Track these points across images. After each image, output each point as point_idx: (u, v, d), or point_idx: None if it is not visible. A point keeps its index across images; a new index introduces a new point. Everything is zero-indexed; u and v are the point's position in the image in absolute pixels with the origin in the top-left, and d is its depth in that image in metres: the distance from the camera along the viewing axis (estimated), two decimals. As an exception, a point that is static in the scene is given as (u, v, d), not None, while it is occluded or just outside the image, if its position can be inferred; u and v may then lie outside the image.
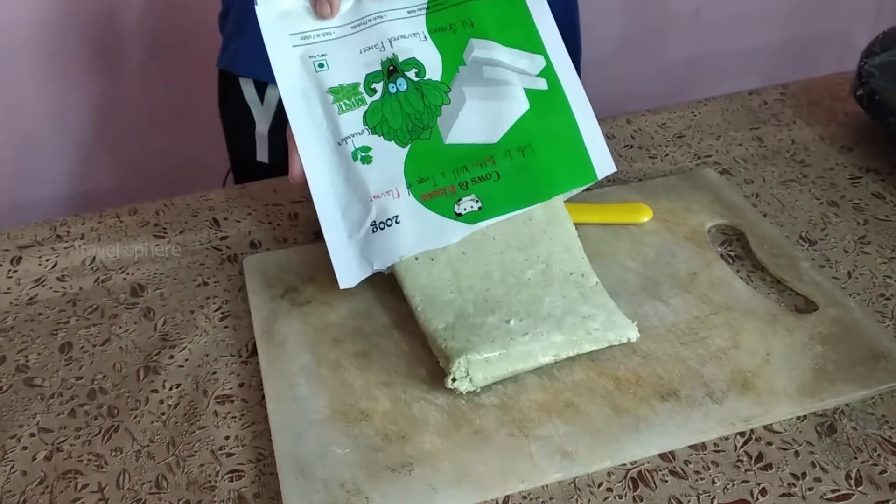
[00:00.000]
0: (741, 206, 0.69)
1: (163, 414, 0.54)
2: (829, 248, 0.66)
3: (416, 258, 0.58)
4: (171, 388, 0.56)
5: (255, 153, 0.87)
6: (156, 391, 0.56)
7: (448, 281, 0.57)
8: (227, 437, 0.52)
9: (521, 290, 0.57)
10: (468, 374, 0.52)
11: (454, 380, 0.52)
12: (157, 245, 0.68)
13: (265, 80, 0.83)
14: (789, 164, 0.76)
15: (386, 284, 0.62)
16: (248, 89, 0.85)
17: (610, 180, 0.74)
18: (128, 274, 0.66)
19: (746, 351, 0.56)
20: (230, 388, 0.56)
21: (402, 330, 0.58)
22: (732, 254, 0.66)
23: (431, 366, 0.55)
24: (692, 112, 0.84)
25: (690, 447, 0.51)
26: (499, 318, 0.55)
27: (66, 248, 0.68)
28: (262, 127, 0.86)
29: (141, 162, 1.40)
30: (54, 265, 0.67)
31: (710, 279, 0.62)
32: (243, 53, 0.84)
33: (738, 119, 0.83)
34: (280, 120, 0.84)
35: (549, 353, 0.54)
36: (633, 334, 0.56)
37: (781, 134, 0.80)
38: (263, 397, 0.54)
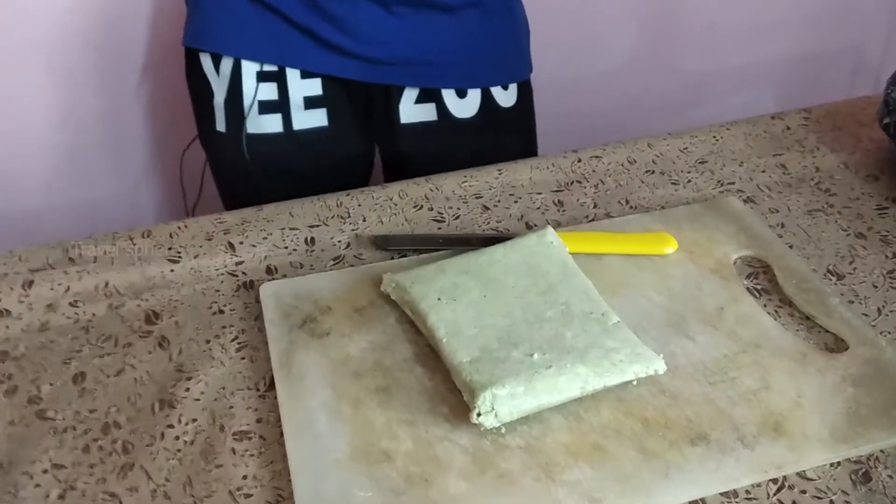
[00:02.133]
0: (767, 238, 0.68)
1: (178, 451, 0.53)
2: (857, 282, 0.65)
3: (439, 298, 0.57)
4: (187, 423, 0.54)
5: (216, 122, 0.90)
6: (171, 426, 0.54)
7: (471, 318, 0.57)
8: (244, 477, 0.51)
9: (542, 326, 0.56)
10: (493, 409, 0.51)
11: (479, 414, 0.51)
12: (172, 270, 0.67)
13: (219, 53, 0.86)
14: (814, 192, 0.75)
15: (405, 315, 0.60)
16: (206, 62, 0.88)
17: (632, 207, 0.73)
18: (142, 300, 0.64)
19: (777, 392, 0.55)
20: (247, 424, 0.54)
21: (423, 365, 0.57)
22: (759, 287, 0.64)
23: (454, 403, 0.54)
24: (714, 136, 0.83)
25: (722, 495, 0.50)
26: (522, 352, 0.54)
27: (78, 272, 0.67)
28: (219, 97, 0.88)
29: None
30: (67, 290, 0.65)
31: (737, 314, 0.61)
32: (199, 27, 0.88)
33: (760, 144, 0.81)
34: (234, 89, 0.87)
35: (574, 385, 0.53)
36: (659, 366, 0.55)
37: (805, 161, 0.79)
38: (282, 434, 0.53)
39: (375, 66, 0.86)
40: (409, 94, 0.91)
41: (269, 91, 0.87)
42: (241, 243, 0.70)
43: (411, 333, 0.59)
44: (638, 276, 0.64)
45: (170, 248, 0.69)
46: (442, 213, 0.73)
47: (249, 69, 0.86)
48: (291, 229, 0.71)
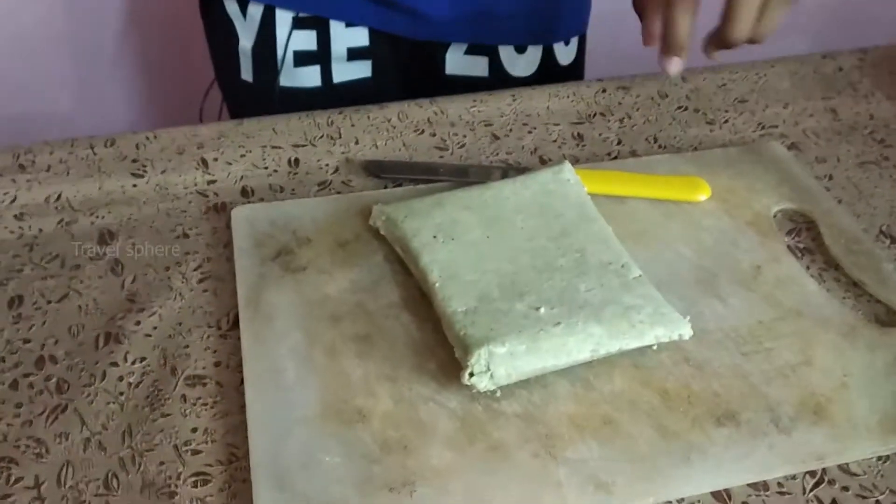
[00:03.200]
0: (813, 190, 0.59)
1: (121, 394, 0.45)
2: (914, 246, 0.57)
3: (434, 236, 0.49)
4: (133, 363, 0.47)
5: (240, 71, 0.78)
6: (115, 364, 0.47)
7: (471, 260, 0.49)
8: (194, 430, 0.44)
9: (552, 275, 0.48)
10: (489, 369, 0.44)
11: (472, 374, 0.44)
12: (135, 185, 0.59)
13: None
14: (867, 142, 0.66)
15: (395, 254, 0.52)
16: (231, 3, 0.75)
17: (661, 146, 0.64)
18: (97, 217, 0.56)
19: (820, 369, 0.47)
20: (203, 368, 0.47)
21: (412, 312, 0.49)
22: (801, 246, 0.56)
23: (445, 358, 0.46)
24: (756, 74, 0.74)
25: (750, 486, 0.42)
26: (527, 304, 0.46)
27: (28, 180, 0.59)
28: (245, 42, 0.76)
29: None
30: (13, 200, 0.57)
31: (776, 276, 0.53)
32: None
33: (808, 86, 0.72)
34: (264, 36, 0.75)
35: (585, 347, 0.45)
36: (685, 331, 0.47)
37: (859, 107, 0.70)
38: (242, 382, 0.45)
39: (427, 21, 0.74)
40: (459, 44, 0.79)
41: (307, 40, 0.75)
42: (216, 160, 0.61)
43: (401, 275, 0.52)
44: (665, 225, 0.56)
45: (134, 161, 0.61)
46: (445, 140, 0.64)
47: (284, 15, 0.74)
48: (274, 147, 0.63)
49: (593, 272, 0.49)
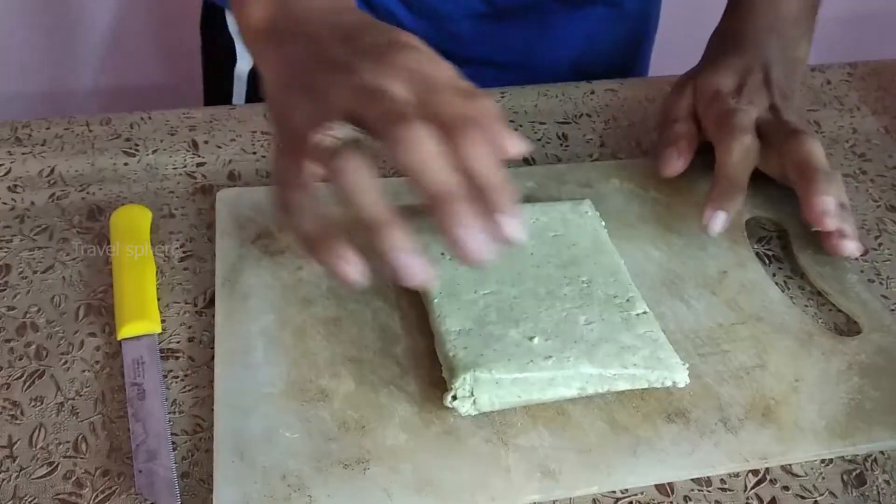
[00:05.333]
0: (786, 200, 0.60)
1: (97, 363, 0.47)
2: (881, 259, 0.58)
3: (443, 253, 0.50)
4: (110, 333, 0.49)
5: (232, 96, 0.77)
6: (93, 335, 0.49)
7: (473, 281, 0.49)
8: (164, 399, 0.46)
9: (553, 303, 0.48)
10: (472, 395, 0.44)
11: (455, 398, 0.44)
12: (126, 164, 0.61)
13: None
14: (847, 155, 0.67)
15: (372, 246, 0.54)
16: (234, 21, 0.74)
17: (644, 150, 0.66)
18: (88, 193, 0.58)
19: (773, 373, 0.48)
20: (177, 342, 0.49)
21: (382, 299, 0.51)
22: (771, 253, 0.57)
23: (410, 345, 0.48)
24: (745, 83, 0.75)
25: (694, 481, 0.44)
26: (522, 332, 0.46)
27: (23, 154, 0.61)
28: (242, 65, 0.76)
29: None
30: (7, 172, 0.59)
31: (741, 281, 0.54)
32: None
33: (802, 97, 0.73)
34: None
35: (573, 385, 0.45)
36: (681, 377, 0.46)
37: (843, 120, 0.71)
38: (213, 358, 0.47)
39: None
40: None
41: None
42: (206, 143, 0.63)
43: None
44: (636, 226, 0.58)
45: (127, 140, 0.63)
46: None
47: None
48: (264, 133, 0.64)
49: (596, 305, 0.48)
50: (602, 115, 0.69)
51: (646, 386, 0.46)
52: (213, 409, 0.44)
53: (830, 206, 0.53)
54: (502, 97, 0.70)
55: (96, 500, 0.41)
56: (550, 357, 0.45)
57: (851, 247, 0.53)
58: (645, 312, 0.49)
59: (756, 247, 0.58)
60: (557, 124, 0.68)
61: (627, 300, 0.49)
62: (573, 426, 0.45)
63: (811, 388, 0.48)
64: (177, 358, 0.48)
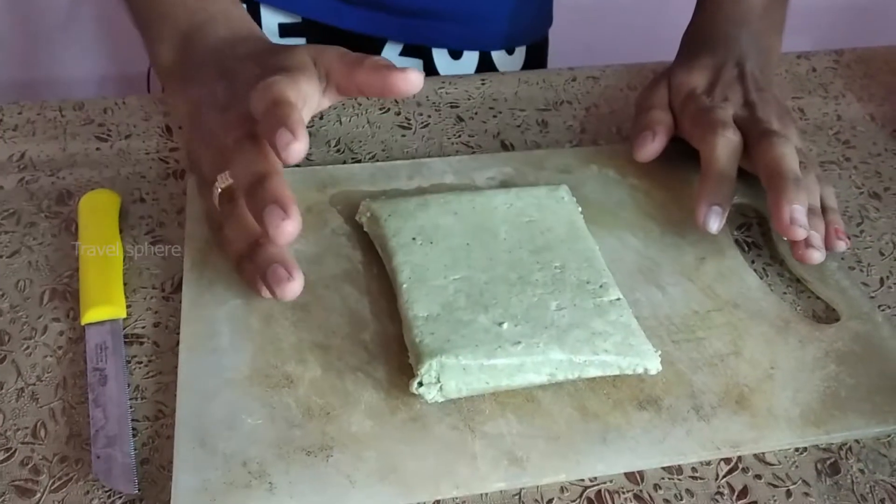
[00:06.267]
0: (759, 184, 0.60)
1: (59, 348, 0.47)
2: (862, 247, 0.57)
3: (414, 238, 0.50)
4: (74, 318, 0.48)
5: None
6: (57, 320, 0.48)
7: (444, 266, 0.48)
8: (126, 385, 0.45)
9: (524, 289, 0.47)
10: (439, 381, 0.43)
11: (420, 384, 0.43)
12: (98, 148, 0.60)
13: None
14: (831, 143, 0.66)
15: (343, 229, 0.53)
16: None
17: (625, 137, 0.65)
18: (58, 178, 0.57)
19: (748, 361, 0.48)
20: (143, 327, 0.48)
21: (352, 284, 0.50)
22: (750, 240, 0.57)
23: (378, 330, 0.47)
24: (730, 70, 0.74)
25: (664, 469, 0.43)
26: (491, 318, 0.45)
27: (-6, 138, 0.60)
28: None
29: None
30: (-23, 157, 0.59)
31: (718, 268, 0.53)
32: None
33: (779, 84, 0.72)
34: None
35: (542, 371, 0.44)
36: (653, 364, 0.45)
37: (828, 107, 0.70)
38: (178, 344, 0.46)
39: (358, 8, 0.74)
40: (394, 44, 0.79)
41: None
42: (180, 128, 0.62)
43: (346, 248, 0.52)
44: (614, 212, 0.57)
45: (100, 125, 0.62)
46: (409, 120, 0.65)
47: None
48: (239, 119, 0.63)
49: (569, 290, 0.48)
50: (583, 103, 0.68)
51: (617, 373, 0.45)
52: (174, 395, 0.44)
53: (798, 216, 0.51)
54: (483, 84, 0.69)
55: (53, 487, 0.40)
56: (519, 343, 0.44)
57: (817, 255, 0.51)
58: (618, 299, 0.48)
59: (736, 234, 0.57)
60: (538, 111, 0.67)
61: (601, 286, 0.48)
62: (542, 413, 0.44)
63: (786, 375, 0.47)
64: (141, 343, 0.47)
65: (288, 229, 0.42)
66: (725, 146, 0.55)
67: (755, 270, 0.54)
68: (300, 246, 0.52)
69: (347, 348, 0.47)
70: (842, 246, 0.53)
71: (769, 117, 0.57)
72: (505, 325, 0.45)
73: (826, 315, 0.52)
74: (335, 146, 0.61)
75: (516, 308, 0.46)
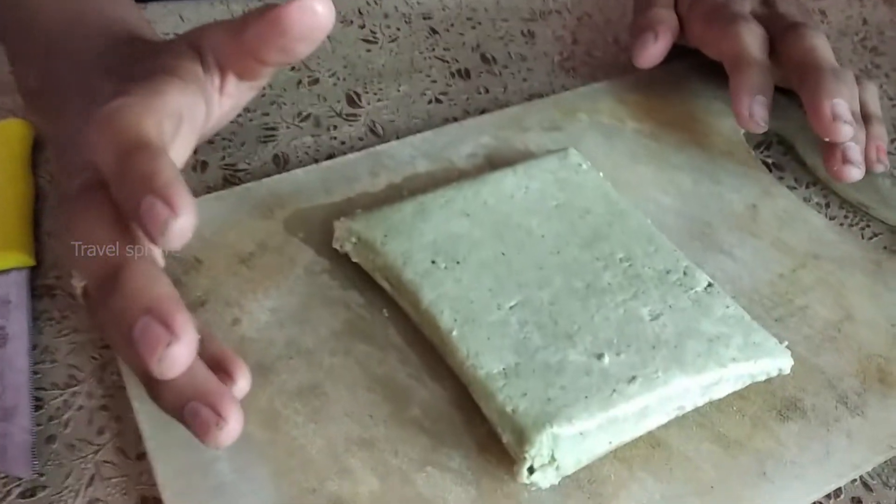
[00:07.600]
0: (784, 104, 0.50)
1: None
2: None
3: (433, 261, 0.37)
4: None
5: None
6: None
7: (489, 291, 0.36)
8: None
9: (602, 299, 0.36)
10: (554, 459, 0.31)
11: (532, 470, 0.31)
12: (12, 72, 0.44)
13: None
14: (857, 50, 0.59)
15: (319, 264, 0.40)
16: None
17: (623, 48, 0.55)
18: None
19: (864, 323, 0.40)
20: (56, 277, 0.39)
21: (365, 339, 0.37)
22: (772, 161, 0.49)
23: (426, 398, 0.35)
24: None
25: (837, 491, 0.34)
26: (583, 350, 0.34)
27: None
28: None
29: None
30: None
31: (775, 212, 0.45)
32: None
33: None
34: None
35: (669, 408, 0.33)
36: (785, 362, 0.36)
37: (851, 10, 0.62)
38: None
39: None
40: None
41: None
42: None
43: (335, 290, 0.39)
44: (631, 167, 0.46)
45: None
46: (375, 34, 0.54)
47: None
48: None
49: (652, 288, 0.37)
50: (574, 12, 0.59)
51: (749, 383, 0.35)
52: (91, 357, 0.33)
53: (841, 110, 0.43)
54: (459, -8, 0.58)
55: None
56: (635, 378, 0.33)
57: (856, 173, 0.44)
58: (710, 284, 0.38)
59: (761, 156, 0.48)
60: (523, 21, 0.57)
61: (684, 273, 0.38)
62: (678, 460, 0.34)
63: (910, 330, 0.39)
64: (53, 296, 0.38)
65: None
66: (751, 34, 0.46)
67: (810, 206, 0.45)
68: (272, 302, 0.38)
69: (398, 436, 0.34)
70: (880, 168, 0.46)
71: (791, 12, 0.48)
72: (606, 358, 0.34)
73: (898, 241, 0.44)
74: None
75: (606, 329, 0.35)
